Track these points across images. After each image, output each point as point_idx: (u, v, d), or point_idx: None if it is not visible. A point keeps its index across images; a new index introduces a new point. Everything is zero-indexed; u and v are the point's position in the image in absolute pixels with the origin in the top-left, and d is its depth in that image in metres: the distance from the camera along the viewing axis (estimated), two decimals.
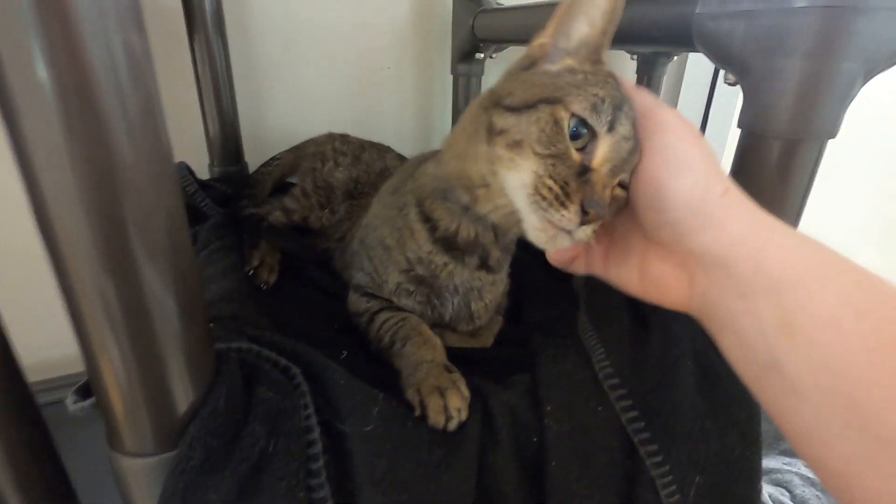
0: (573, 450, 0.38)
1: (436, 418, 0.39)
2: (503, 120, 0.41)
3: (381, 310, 0.56)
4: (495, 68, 1.10)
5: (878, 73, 0.39)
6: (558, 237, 0.38)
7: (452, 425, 0.39)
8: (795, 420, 0.29)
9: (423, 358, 0.46)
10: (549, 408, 0.40)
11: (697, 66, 1.22)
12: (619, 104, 0.38)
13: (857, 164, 1.51)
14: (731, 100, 1.23)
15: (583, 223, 0.37)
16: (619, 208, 0.41)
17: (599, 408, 0.40)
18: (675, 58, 1.12)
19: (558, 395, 0.41)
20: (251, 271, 0.63)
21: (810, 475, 0.75)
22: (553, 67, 0.42)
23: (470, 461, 0.37)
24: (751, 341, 0.31)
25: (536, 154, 0.38)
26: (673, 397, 0.40)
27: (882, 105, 1.44)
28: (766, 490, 0.74)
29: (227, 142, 0.90)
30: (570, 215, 0.37)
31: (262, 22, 0.92)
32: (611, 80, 0.40)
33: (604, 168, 0.38)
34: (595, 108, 0.38)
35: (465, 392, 0.41)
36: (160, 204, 0.26)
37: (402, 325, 0.52)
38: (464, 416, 0.39)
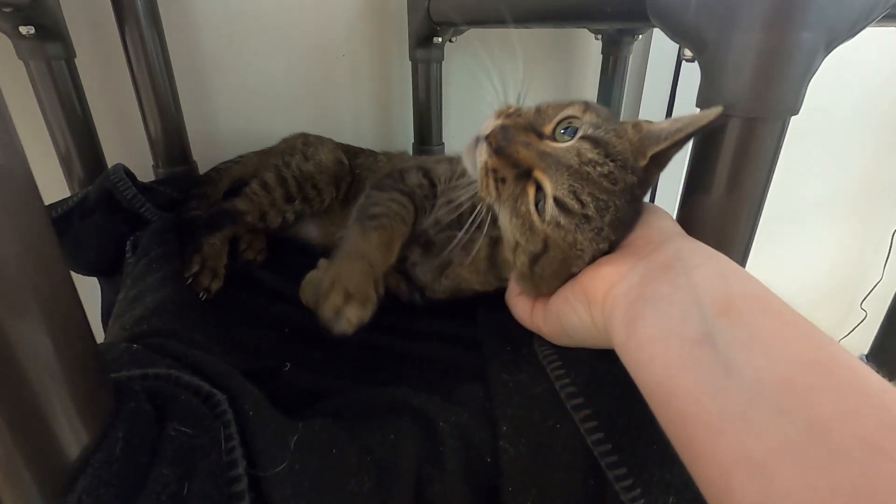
0: (530, 472, 0.36)
1: (325, 311, 0.43)
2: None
3: (411, 195, 0.58)
4: (456, 52, 1.06)
5: (840, 43, 0.37)
6: (471, 143, 0.45)
7: (338, 327, 0.42)
8: (720, 403, 0.25)
9: (368, 252, 0.49)
10: (504, 428, 0.37)
11: (663, 44, 1.19)
12: (612, 152, 0.40)
13: (820, 136, 1.52)
14: (696, 79, 1.21)
15: (488, 138, 0.42)
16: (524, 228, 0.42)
17: (558, 425, 0.37)
18: (640, 36, 1.09)
19: (513, 412, 0.38)
20: (190, 279, 0.59)
21: None
22: None
23: (406, 492, 0.34)
24: (683, 313, 0.30)
25: (539, 105, 0.47)
26: (640, 415, 0.37)
27: (846, 75, 1.44)
28: None
29: (171, 141, 0.84)
30: (492, 122, 0.44)
31: (202, 12, 0.86)
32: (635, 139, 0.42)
33: (544, 148, 0.41)
34: (596, 126, 0.41)
35: (368, 314, 0.45)
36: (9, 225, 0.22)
37: (396, 211, 0.54)
38: (349, 327, 0.43)
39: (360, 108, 1.06)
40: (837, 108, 1.50)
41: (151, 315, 0.48)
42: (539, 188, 0.40)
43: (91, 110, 0.77)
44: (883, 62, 1.50)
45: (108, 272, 0.73)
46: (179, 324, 0.49)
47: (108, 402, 0.27)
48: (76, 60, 0.74)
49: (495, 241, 0.53)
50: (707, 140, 0.40)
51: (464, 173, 0.57)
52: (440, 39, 0.93)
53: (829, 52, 0.36)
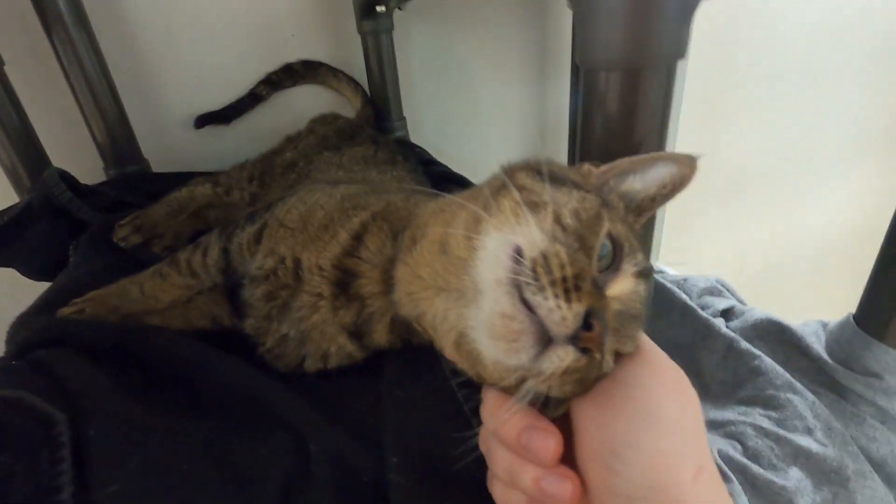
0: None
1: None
2: (529, 181, 0.32)
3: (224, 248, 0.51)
4: (408, 24, 1.00)
5: None
6: (521, 341, 0.27)
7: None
8: None
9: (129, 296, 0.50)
10: (394, 460, 0.34)
11: None
12: (647, 270, 0.32)
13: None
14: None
15: (573, 340, 0.27)
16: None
17: (454, 453, 0.34)
18: None
19: (405, 442, 0.35)
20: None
21: (765, 425, 0.70)
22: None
23: None
24: None
25: (559, 224, 0.29)
26: None
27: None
28: (717, 445, 0.69)
29: (117, 141, 0.83)
30: (566, 312, 0.26)
31: (134, 5, 0.83)
32: None
33: (614, 305, 0.30)
34: (630, 245, 0.32)
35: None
36: None
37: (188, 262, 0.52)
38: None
39: (316, 89, 1.03)
40: (859, 45, 1.36)
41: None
42: None
43: (33, 118, 0.77)
44: None
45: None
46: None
47: None
48: (6, 68, 0.73)
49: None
50: (589, 99, 0.36)
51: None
52: (383, 8, 0.87)
53: None
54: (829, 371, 0.74)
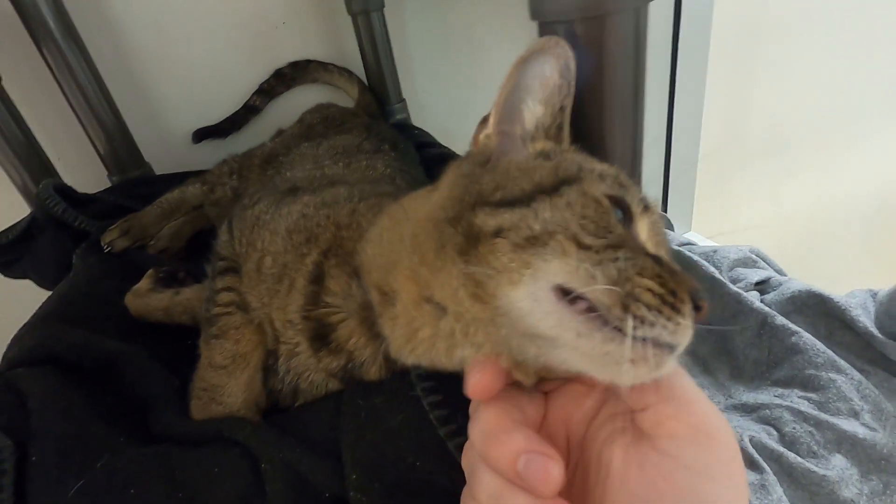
0: None
1: None
2: (498, 218, 0.29)
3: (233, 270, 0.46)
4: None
5: None
6: (661, 367, 0.25)
7: None
8: None
9: (220, 382, 0.39)
10: (353, 476, 0.32)
11: None
12: (646, 199, 0.31)
13: None
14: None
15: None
16: None
17: (417, 463, 0.31)
18: None
19: (363, 454, 0.32)
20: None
21: (804, 408, 0.64)
22: (521, 157, 0.32)
23: None
24: None
25: (583, 247, 0.26)
26: None
27: None
28: (750, 431, 0.63)
29: (116, 148, 0.84)
30: (684, 321, 0.25)
31: (120, 9, 0.82)
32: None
33: (661, 252, 0.30)
34: (619, 184, 0.30)
35: None
36: None
37: (231, 312, 0.43)
38: None
39: (316, 88, 1.00)
40: None
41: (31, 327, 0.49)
42: None
43: (37, 132, 0.78)
44: None
45: None
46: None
47: None
48: (4, 84, 0.74)
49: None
50: None
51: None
52: None
53: None
54: (878, 346, 0.66)
